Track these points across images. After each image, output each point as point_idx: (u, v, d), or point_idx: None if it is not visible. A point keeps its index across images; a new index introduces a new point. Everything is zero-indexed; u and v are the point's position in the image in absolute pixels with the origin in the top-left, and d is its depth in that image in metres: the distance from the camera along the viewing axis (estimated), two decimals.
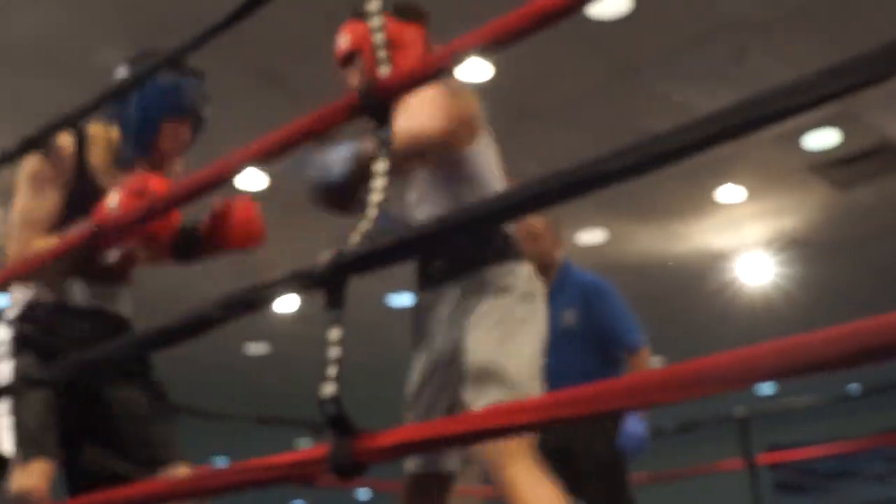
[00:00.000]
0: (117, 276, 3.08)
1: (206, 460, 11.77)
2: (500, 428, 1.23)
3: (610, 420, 3.98)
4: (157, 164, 3.02)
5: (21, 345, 2.91)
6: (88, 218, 2.70)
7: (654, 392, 1.10)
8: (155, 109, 2.97)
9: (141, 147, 2.97)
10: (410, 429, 1.34)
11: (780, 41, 5.86)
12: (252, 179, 7.37)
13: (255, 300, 1.51)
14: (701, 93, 6.26)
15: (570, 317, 4.16)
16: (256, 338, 10.93)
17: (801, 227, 8.65)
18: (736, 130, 1.07)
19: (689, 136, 1.10)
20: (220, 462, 13.78)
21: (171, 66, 2.91)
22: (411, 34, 2.85)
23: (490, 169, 2.84)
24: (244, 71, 6.03)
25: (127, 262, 3.07)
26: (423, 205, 2.72)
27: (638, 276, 9.59)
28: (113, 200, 2.60)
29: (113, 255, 2.93)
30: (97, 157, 3.03)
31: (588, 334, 4.09)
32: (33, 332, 2.93)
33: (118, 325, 3.08)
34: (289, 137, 1.78)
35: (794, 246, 8.96)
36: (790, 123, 6.91)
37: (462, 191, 2.68)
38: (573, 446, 3.98)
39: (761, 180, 7.77)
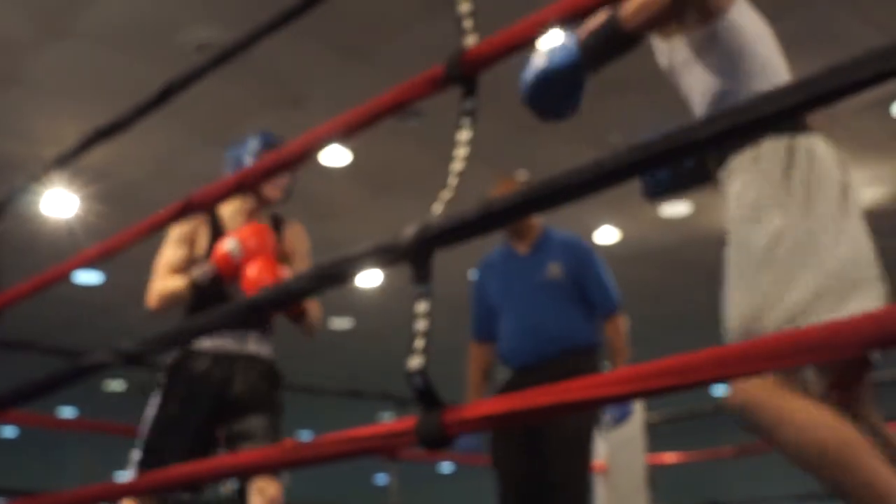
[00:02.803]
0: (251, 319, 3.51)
1: (291, 434, 11.90)
2: (588, 399, 1.23)
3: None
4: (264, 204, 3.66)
5: (163, 388, 3.47)
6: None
7: (742, 363, 1.09)
8: (248, 153, 3.58)
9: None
10: (497, 401, 1.34)
11: (864, 6, 5.73)
12: (336, 156, 7.40)
13: (340, 273, 1.51)
14: (796, 57, 6.15)
15: (555, 269, 4.16)
16: (341, 312, 11.03)
17: (889, 197, 8.48)
18: (824, 98, 1.05)
19: (777, 104, 1.08)
20: (306, 436, 13.94)
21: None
22: None
23: (757, 44, 2.43)
24: (331, 47, 6.06)
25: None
26: (686, 73, 2.44)
27: (721, 247, 9.49)
28: (228, 244, 3.29)
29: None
30: (226, 208, 3.65)
31: (571, 288, 4.11)
32: (171, 377, 3.46)
33: (249, 364, 3.55)
34: (373, 111, 1.79)
35: (885, 216, 8.78)
36: (879, 90, 6.76)
37: (722, 64, 2.33)
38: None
39: (850, 149, 7.62)
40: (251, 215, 3.67)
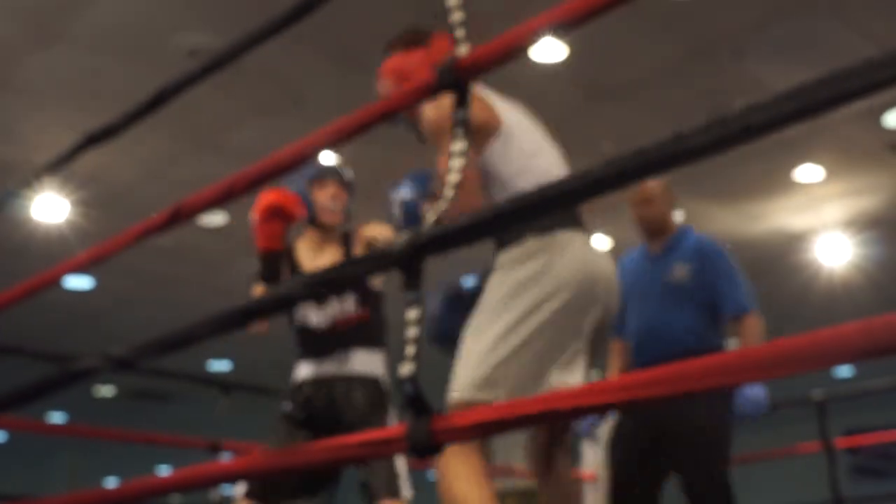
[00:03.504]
0: (337, 339, 3.61)
1: None
2: (578, 408, 1.23)
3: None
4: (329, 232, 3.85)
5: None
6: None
7: (732, 373, 1.10)
8: (299, 180, 3.79)
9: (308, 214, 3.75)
10: (487, 409, 1.34)
11: (857, 17, 5.75)
12: (323, 160, 7.40)
13: (333, 281, 1.52)
14: (778, 71, 6.17)
15: (681, 271, 4.14)
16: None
17: (881, 207, 8.50)
18: (815, 107, 1.06)
19: (767, 114, 1.09)
20: None
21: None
22: (414, 60, 2.99)
23: (514, 165, 2.79)
24: (324, 54, 6.06)
25: (341, 325, 3.61)
26: None
27: None
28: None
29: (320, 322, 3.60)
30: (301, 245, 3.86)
31: (697, 292, 4.07)
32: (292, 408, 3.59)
33: (350, 386, 3.55)
34: (365, 119, 1.79)
35: (874, 226, 8.81)
36: (870, 101, 6.78)
37: (488, 189, 2.72)
38: (668, 415, 3.95)
39: (840, 159, 7.64)
40: (322, 245, 3.80)
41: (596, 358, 2.69)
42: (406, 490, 3.40)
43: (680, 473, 3.92)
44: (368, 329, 3.67)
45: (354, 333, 3.63)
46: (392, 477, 3.36)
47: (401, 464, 3.43)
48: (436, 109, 2.66)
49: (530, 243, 2.58)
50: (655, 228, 4.30)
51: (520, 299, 2.50)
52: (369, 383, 3.58)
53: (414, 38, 3.05)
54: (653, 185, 4.36)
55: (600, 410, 1.22)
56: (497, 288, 2.58)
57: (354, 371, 3.58)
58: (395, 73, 2.99)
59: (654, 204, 4.33)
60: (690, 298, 4.06)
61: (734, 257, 4.22)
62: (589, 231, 2.83)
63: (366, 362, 3.62)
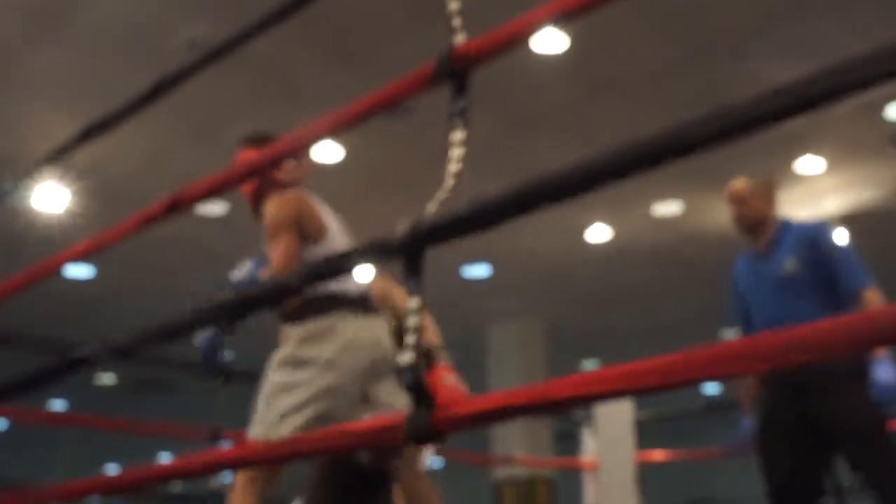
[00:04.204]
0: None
1: None
2: (574, 398, 1.23)
3: (854, 376, 3.89)
4: None
5: None
6: None
7: (732, 363, 1.10)
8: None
9: None
10: (488, 397, 1.34)
11: (855, 18, 5.75)
12: (329, 152, 7.40)
13: (334, 269, 1.52)
14: (778, 69, 6.17)
15: (790, 265, 4.10)
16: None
17: (882, 199, 8.50)
18: (816, 100, 1.05)
19: (768, 107, 1.08)
20: None
21: None
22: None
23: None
24: (323, 46, 6.06)
25: None
26: None
27: (714, 248, 9.51)
28: None
29: None
30: None
31: (810, 281, 4.04)
32: None
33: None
34: (365, 108, 1.79)
35: (875, 219, 8.81)
36: (872, 94, 6.78)
37: None
38: (823, 412, 3.93)
39: (842, 152, 7.64)
40: None
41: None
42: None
43: (852, 467, 3.88)
44: None
45: None
46: None
47: None
48: (278, 207, 3.41)
49: (310, 325, 3.32)
50: (752, 226, 4.28)
51: (301, 371, 3.25)
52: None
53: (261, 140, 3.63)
54: (742, 184, 4.36)
55: (599, 398, 1.22)
56: (284, 357, 3.34)
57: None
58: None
59: (746, 203, 4.31)
60: (805, 289, 4.03)
61: (839, 235, 4.16)
62: (368, 310, 3.46)
63: None
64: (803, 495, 3.94)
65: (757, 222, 4.27)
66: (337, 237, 3.61)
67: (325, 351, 3.27)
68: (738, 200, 4.32)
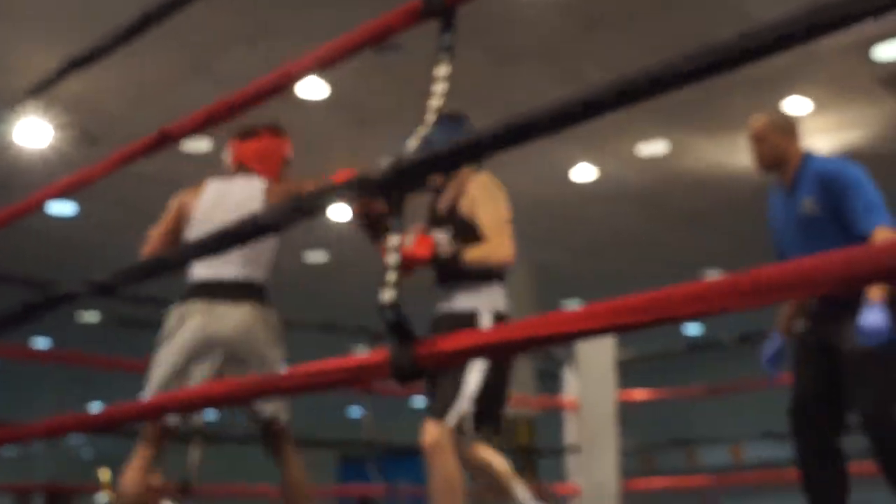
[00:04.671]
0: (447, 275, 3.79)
1: None
2: (559, 334, 1.23)
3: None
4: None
5: None
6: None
7: (718, 300, 1.10)
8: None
9: None
10: (471, 334, 1.34)
11: None
12: (314, 89, 7.35)
13: (315, 206, 1.51)
14: (767, 5, 6.13)
15: (809, 205, 4.06)
16: (316, 246, 11.02)
17: (869, 140, 8.50)
18: (801, 36, 1.05)
19: (756, 41, 1.08)
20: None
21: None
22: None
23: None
24: None
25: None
26: None
27: (700, 189, 9.52)
28: None
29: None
30: None
31: (829, 221, 4.02)
32: None
33: (447, 322, 3.67)
34: (351, 44, 1.77)
35: (861, 159, 8.82)
36: (860, 34, 6.74)
37: None
38: (832, 342, 3.96)
39: (829, 92, 7.62)
40: None
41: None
42: (452, 417, 3.57)
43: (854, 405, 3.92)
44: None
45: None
46: (446, 399, 3.58)
47: (467, 388, 3.59)
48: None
49: (173, 310, 3.81)
50: (773, 164, 4.22)
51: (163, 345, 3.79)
52: (463, 318, 3.68)
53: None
54: (761, 122, 4.28)
55: (582, 335, 1.22)
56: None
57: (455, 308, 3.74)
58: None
59: (765, 142, 4.24)
60: (826, 228, 4.00)
61: (859, 172, 4.11)
62: (220, 299, 3.77)
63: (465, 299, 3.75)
64: (817, 417, 3.99)
65: (777, 160, 4.21)
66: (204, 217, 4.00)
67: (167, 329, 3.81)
68: (757, 139, 4.25)
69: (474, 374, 3.61)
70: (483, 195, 3.70)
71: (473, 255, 3.61)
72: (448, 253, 3.59)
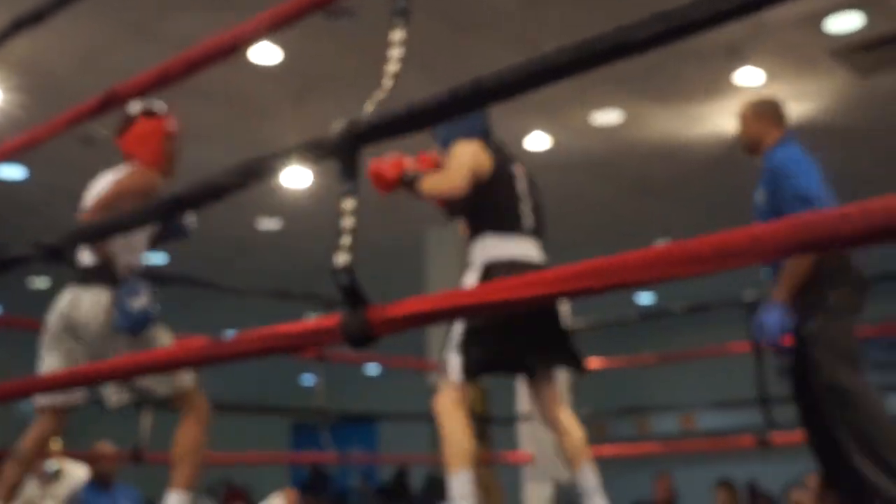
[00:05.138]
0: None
1: (217, 334, 11.85)
2: (510, 300, 1.24)
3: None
4: None
5: None
6: None
7: (667, 266, 1.10)
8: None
9: None
10: (423, 299, 1.34)
11: None
12: (267, 54, 7.29)
13: (267, 168, 1.50)
14: None
15: (760, 195, 4.19)
16: (269, 213, 10.96)
17: (821, 112, 8.57)
18: (755, 4, 1.05)
19: (708, 9, 1.08)
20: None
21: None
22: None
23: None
24: None
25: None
26: None
27: (653, 158, 9.56)
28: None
29: None
30: None
31: (771, 216, 4.06)
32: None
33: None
34: (303, 6, 1.76)
35: (813, 132, 8.90)
36: (812, 5, 6.78)
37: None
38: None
39: (781, 64, 7.67)
40: None
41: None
42: (448, 374, 3.77)
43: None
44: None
45: None
46: (441, 359, 3.83)
47: (451, 340, 3.78)
48: (141, 179, 3.99)
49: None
50: (749, 148, 4.35)
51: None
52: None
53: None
54: (742, 107, 4.40)
55: (534, 301, 1.22)
56: None
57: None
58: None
59: (744, 125, 4.38)
60: (768, 220, 4.07)
61: (798, 161, 4.12)
62: (89, 283, 3.83)
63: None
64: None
65: (752, 145, 4.33)
66: None
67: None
68: (740, 121, 4.39)
69: (457, 324, 3.78)
70: (450, 159, 3.87)
71: (425, 183, 3.78)
72: (409, 177, 3.81)
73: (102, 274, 3.81)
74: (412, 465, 15.53)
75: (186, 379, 3.87)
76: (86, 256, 3.84)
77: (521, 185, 4.04)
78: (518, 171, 4.08)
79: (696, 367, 12.38)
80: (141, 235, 4.01)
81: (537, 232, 4.01)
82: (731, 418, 13.09)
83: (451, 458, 3.60)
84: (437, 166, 3.97)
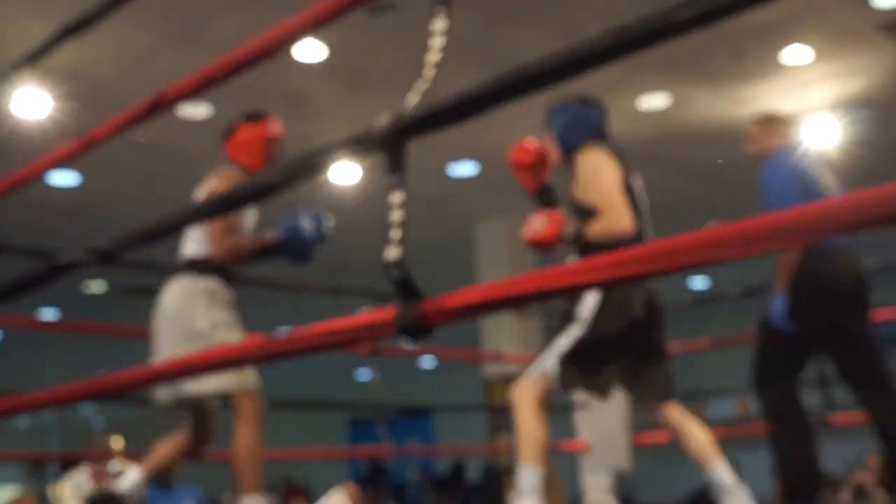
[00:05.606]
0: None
1: (272, 331, 11.92)
2: (566, 287, 1.23)
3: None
4: None
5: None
6: None
7: (719, 248, 1.10)
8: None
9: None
10: (476, 289, 1.34)
11: None
12: (311, 51, 7.31)
13: (314, 165, 1.50)
14: None
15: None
16: (319, 210, 10.99)
17: (870, 88, 8.45)
18: None
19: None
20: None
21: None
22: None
23: None
24: None
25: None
26: None
27: (701, 141, 9.48)
28: None
29: None
30: None
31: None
32: None
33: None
34: (345, 3, 1.76)
35: (862, 109, 8.77)
36: None
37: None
38: None
39: (829, 41, 7.57)
40: None
41: None
42: (535, 373, 3.79)
43: None
44: None
45: None
46: (538, 356, 3.85)
47: (557, 346, 3.79)
48: (228, 185, 4.01)
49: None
50: (756, 159, 4.70)
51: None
52: None
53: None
54: (752, 126, 4.71)
55: (589, 287, 1.22)
56: None
57: None
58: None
59: (753, 143, 4.73)
60: None
61: (778, 175, 4.44)
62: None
63: None
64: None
65: (757, 155, 4.68)
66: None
67: None
68: (750, 140, 4.72)
69: (570, 333, 3.75)
70: (589, 172, 3.85)
71: (594, 230, 3.71)
72: (571, 233, 3.72)
73: (206, 265, 4.05)
74: (468, 457, 15.53)
75: (233, 381, 3.88)
76: (190, 247, 4.06)
77: (642, 197, 3.97)
78: (638, 181, 4.02)
79: (751, 351, 12.25)
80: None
81: None
82: None
83: (524, 450, 3.59)
84: (560, 225, 3.82)
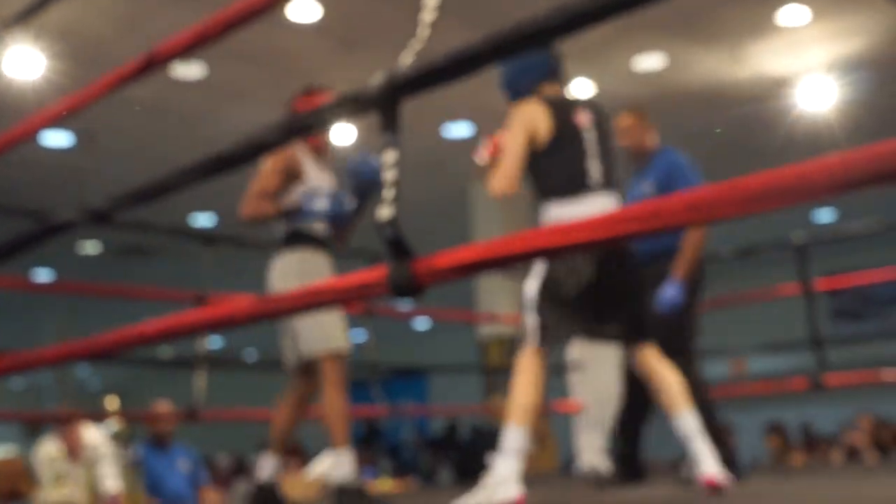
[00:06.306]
0: None
1: (263, 290, 11.95)
2: (559, 246, 1.23)
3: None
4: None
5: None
6: None
7: (713, 207, 1.09)
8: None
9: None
10: (469, 249, 1.34)
11: None
12: (306, 11, 7.27)
13: (309, 124, 1.50)
14: None
15: (648, 186, 4.77)
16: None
17: (867, 49, 8.42)
18: None
19: None
20: None
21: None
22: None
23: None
24: None
25: None
26: None
27: (697, 102, 9.45)
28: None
29: None
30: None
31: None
32: None
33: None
34: None
35: (859, 69, 8.75)
36: None
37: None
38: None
39: (826, 1, 7.54)
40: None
41: None
42: (523, 334, 3.90)
43: None
44: None
45: None
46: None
47: (525, 299, 3.91)
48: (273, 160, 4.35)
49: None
50: (634, 155, 5.00)
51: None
52: None
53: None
54: (624, 118, 5.01)
55: (580, 248, 1.22)
56: None
57: None
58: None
59: (626, 136, 4.99)
60: None
61: (699, 175, 4.77)
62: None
63: None
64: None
65: (637, 151, 5.05)
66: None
67: None
68: (622, 133, 5.00)
69: (529, 284, 3.87)
70: (510, 125, 3.86)
71: (487, 182, 3.86)
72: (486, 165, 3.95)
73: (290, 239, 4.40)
74: (462, 418, 15.61)
75: (311, 348, 4.25)
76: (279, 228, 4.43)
77: (589, 137, 3.91)
78: (583, 120, 3.94)
79: (745, 311, 12.31)
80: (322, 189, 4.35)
81: (609, 184, 3.92)
82: (782, 361, 13.03)
83: (512, 411, 3.62)
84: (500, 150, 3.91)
